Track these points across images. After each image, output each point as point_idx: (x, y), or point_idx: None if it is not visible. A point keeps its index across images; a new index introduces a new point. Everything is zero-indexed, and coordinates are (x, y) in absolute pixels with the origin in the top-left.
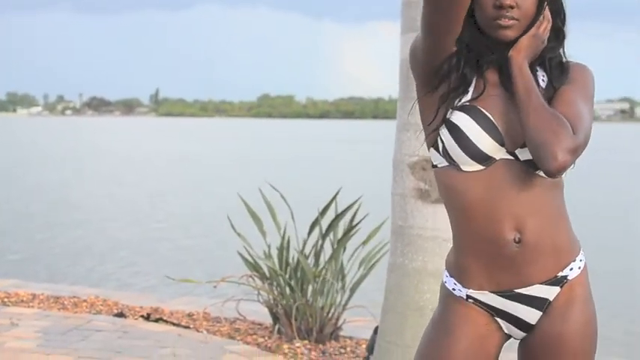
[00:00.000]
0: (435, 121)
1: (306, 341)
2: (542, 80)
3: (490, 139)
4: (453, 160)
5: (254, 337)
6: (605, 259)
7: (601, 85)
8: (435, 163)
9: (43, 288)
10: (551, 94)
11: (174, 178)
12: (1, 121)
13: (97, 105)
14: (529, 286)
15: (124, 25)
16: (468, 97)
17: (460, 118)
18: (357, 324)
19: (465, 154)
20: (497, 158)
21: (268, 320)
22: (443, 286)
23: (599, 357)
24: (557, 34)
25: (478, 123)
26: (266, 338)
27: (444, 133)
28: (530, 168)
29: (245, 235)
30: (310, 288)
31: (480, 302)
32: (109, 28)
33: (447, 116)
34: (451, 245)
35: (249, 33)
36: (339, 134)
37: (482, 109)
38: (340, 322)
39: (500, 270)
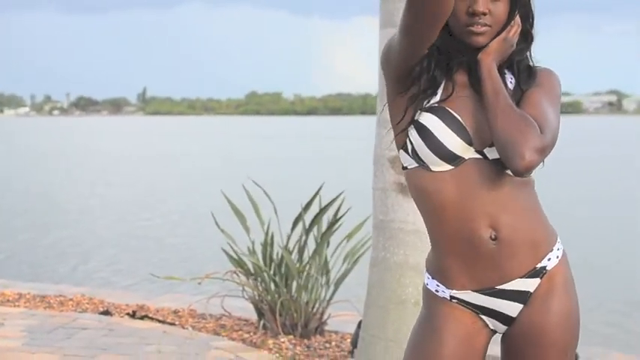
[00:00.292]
0: (403, 122)
1: (291, 336)
2: (510, 82)
3: (458, 138)
4: (423, 161)
5: (239, 333)
6: (591, 251)
7: (589, 78)
8: (404, 165)
9: (29, 287)
10: (518, 97)
11: (161, 176)
12: None
13: (85, 105)
14: (510, 281)
15: (111, 25)
16: (437, 98)
17: (428, 119)
18: (341, 318)
19: (434, 154)
20: (466, 158)
21: (254, 316)
22: (425, 288)
23: (581, 347)
24: (526, 37)
25: (446, 123)
26: (251, 334)
27: (412, 134)
28: (499, 167)
29: (230, 232)
30: (295, 283)
31: (464, 302)
32: (96, 28)
33: (416, 117)
34: None
35: (236, 31)
36: (327, 131)
37: (450, 110)
38: (325, 316)
39: (480, 268)
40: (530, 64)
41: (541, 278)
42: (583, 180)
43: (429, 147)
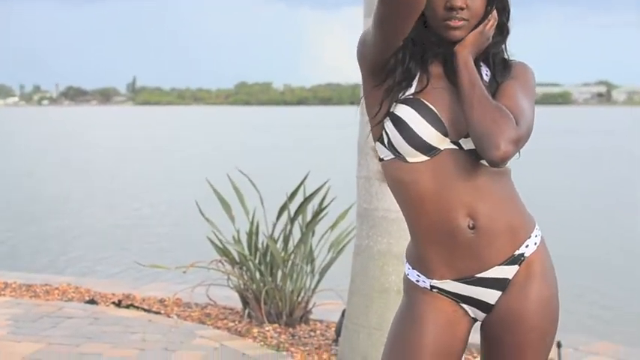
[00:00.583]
0: (379, 115)
1: (275, 325)
2: (486, 75)
3: (433, 129)
4: (399, 152)
5: (224, 321)
6: (576, 241)
7: (578, 69)
8: (381, 157)
9: (15, 276)
10: (494, 89)
11: (150, 166)
12: None
13: (74, 94)
14: (488, 269)
15: (100, 14)
16: (412, 90)
17: (403, 111)
18: (326, 307)
19: (410, 145)
20: (442, 148)
21: (239, 305)
22: (406, 279)
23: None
24: (502, 30)
25: (421, 115)
26: (236, 323)
27: (388, 126)
28: (474, 157)
29: (216, 221)
30: (280, 272)
31: (444, 291)
32: (85, 17)
33: (391, 109)
34: None
35: (226, 20)
36: (316, 120)
37: (425, 102)
38: (310, 305)
39: (459, 258)
40: (506, 57)
41: (519, 265)
42: (569, 171)
43: (404, 138)
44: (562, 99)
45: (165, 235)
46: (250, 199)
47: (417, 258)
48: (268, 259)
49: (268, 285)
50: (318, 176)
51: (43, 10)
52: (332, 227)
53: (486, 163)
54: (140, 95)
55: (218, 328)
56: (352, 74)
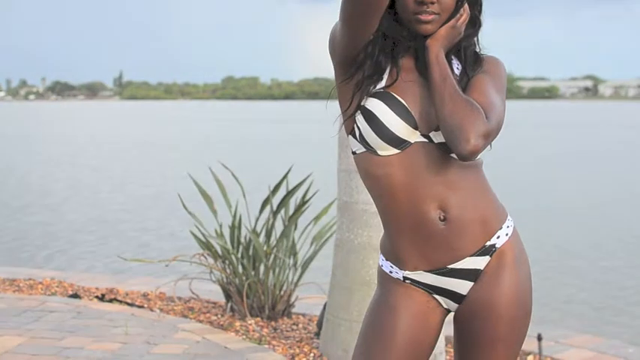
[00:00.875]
0: (350, 108)
1: (258, 318)
2: (457, 68)
3: (403, 122)
4: (370, 146)
5: (207, 315)
6: (559, 234)
7: (565, 63)
8: (353, 150)
9: None
10: (464, 83)
11: (135, 160)
12: None
13: (61, 89)
14: (460, 260)
15: (86, 8)
16: (383, 83)
17: (374, 104)
18: (309, 301)
19: (380, 138)
20: (412, 142)
21: (222, 299)
22: (380, 270)
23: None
24: (474, 23)
25: (391, 108)
26: (219, 316)
27: (359, 119)
28: (445, 150)
29: (200, 215)
30: (262, 266)
31: (417, 282)
32: (71, 11)
33: (362, 103)
34: None
35: (213, 14)
36: (303, 115)
37: (395, 95)
38: (292, 299)
39: (431, 249)
40: (477, 50)
41: (491, 256)
42: (557, 167)
43: (374, 131)
44: (549, 93)
45: (149, 229)
46: (234, 193)
47: (390, 250)
48: (251, 252)
49: (251, 279)
50: (303, 170)
51: (30, 4)
52: (315, 220)
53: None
54: (127, 90)
55: (200, 321)
56: None
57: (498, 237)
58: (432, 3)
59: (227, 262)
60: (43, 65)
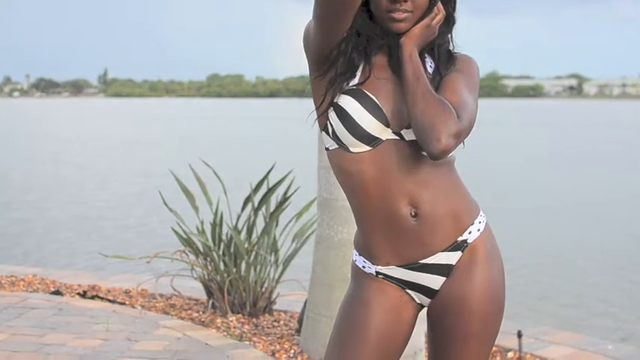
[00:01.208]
0: (323, 105)
1: (239, 315)
2: (430, 67)
3: (374, 120)
4: (342, 143)
5: (189, 312)
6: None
7: (550, 62)
8: (327, 146)
9: None
10: (437, 82)
11: (120, 158)
12: None
13: (45, 86)
14: (432, 255)
15: (71, 4)
16: (356, 81)
17: (346, 102)
18: (290, 298)
19: (352, 135)
20: (384, 139)
21: (204, 296)
22: (354, 265)
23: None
24: (448, 20)
25: (363, 105)
26: (200, 313)
27: (332, 116)
28: (416, 147)
29: (182, 212)
30: (244, 263)
31: (390, 277)
32: (56, 8)
33: (335, 100)
34: None
35: (197, 11)
36: (287, 112)
37: (367, 92)
38: (274, 296)
39: (403, 244)
40: (451, 48)
41: (463, 251)
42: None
43: (347, 128)
44: (534, 92)
45: (131, 226)
46: (217, 190)
47: (363, 245)
48: (232, 249)
49: (232, 275)
50: (285, 168)
51: (14, 1)
52: (297, 217)
53: None
54: (112, 87)
55: (182, 318)
56: None
57: (470, 232)
58: (405, 1)
59: (208, 259)
60: (28, 62)
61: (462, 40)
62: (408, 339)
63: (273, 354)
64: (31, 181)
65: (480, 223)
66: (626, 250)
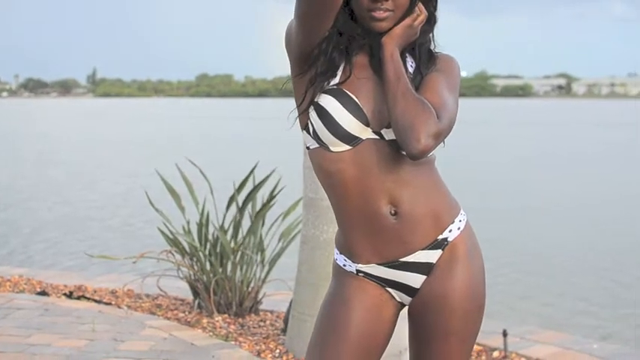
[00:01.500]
0: (304, 104)
1: (225, 315)
2: (411, 66)
3: (354, 119)
4: (323, 142)
5: (175, 312)
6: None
7: (538, 62)
8: (307, 145)
9: None
10: (418, 81)
11: (107, 158)
12: None
13: (34, 86)
14: (412, 253)
15: (59, 4)
16: (336, 80)
17: (326, 101)
18: (276, 297)
19: (332, 135)
20: (364, 138)
21: (190, 296)
22: (334, 263)
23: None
24: (429, 19)
25: (343, 105)
26: (187, 313)
27: (312, 115)
28: (396, 147)
29: (169, 212)
30: (230, 263)
31: (370, 275)
32: (44, 7)
33: (316, 99)
34: None
35: (187, 11)
36: (276, 112)
37: (347, 92)
38: (260, 295)
39: (383, 243)
40: (432, 47)
41: (443, 249)
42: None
43: (327, 128)
44: (523, 91)
45: (118, 227)
46: (203, 190)
47: (344, 243)
48: (218, 249)
49: (218, 275)
50: (272, 167)
51: (1, 1)
52: (283, 217)
53: None
54: (100, 87)
55: (168, 318)
56: None
57: (450, 231)
58: (386, 0)
59: (195, 259)
60: (16, 62)
61: (452, 40)
62: (389, 338)
63: (258, 354)
64: (18, 181)
65: (460, 221)
66: (611, 249)
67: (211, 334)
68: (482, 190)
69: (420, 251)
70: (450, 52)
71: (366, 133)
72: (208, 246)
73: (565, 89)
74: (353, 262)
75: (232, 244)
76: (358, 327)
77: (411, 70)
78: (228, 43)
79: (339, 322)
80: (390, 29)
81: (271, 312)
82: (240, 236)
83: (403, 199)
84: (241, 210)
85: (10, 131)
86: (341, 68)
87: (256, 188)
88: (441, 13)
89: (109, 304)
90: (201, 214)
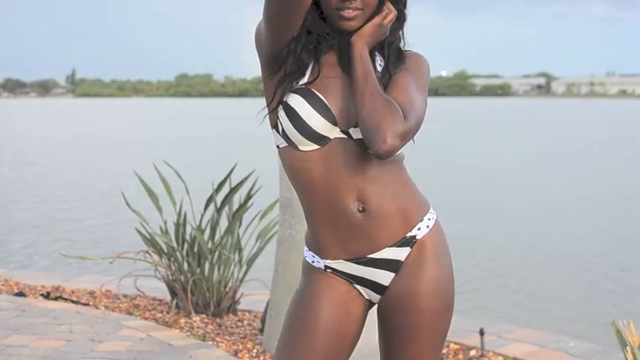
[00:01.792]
0: (273, 103)
1: (203, 315)
2: (380, 65)
3: (322, 119)
4: (291, 141)
5: (152, 312)
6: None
7: (518, 61)
8: (277, 144)
9: None
10: (386, 80)
11: (84, 158)
12: None
13: (13, 87)
14: (380, 250)
15: (37, 3)
16: (305, 80)
17: (294, 101)
18: (254, 297)
19: (300, 134)
20: (332, 137)
21: (168, 296)
22: (304, 260)
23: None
24: (398, 17)
25: (311, 104)
26: (164, 313)
27: (281, 114)
28: (364, 146)
29: (146, 212)
30: (207, 263)
31: (338, 271)
32: (22, 6)
33: (284, 99)
34: None
35: (166, 10)
36: (254, 112)
37: (315, 91)
38: (237, 295)
39: (351, 239)
40: (401, 45)
41: (411, 247)
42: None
43: (295, 127)
44: (502, 91)
45: (95, 227)
46: (181, 191)
47: (313, 240)
48: (196, 249)
49: (196, 275)
50: (251, 168)
51: None
52: (261, 217)
53: None
54: (80, 87)
55: (146, 319)
56: None
57: (419, 229)
58: None
59: (172, 259)
60: None
61: (432, 39)
62: (358, 336)
63: (235, 353)
64: None
65: (429, 219)
66: (588, 248)
67: (189, 334)
68: (461, 189)
69: (387, 248)
70: (430, 51)
71: (334, 132)
72: (186, 246)
73: (544, 88)
74: (321, 257)
75: (210, 245)
76: (326, 324)
77: (379, 69)
78: (208, 43)
79: (308, 319)
80: (360, 28)
81: (249, 312)
82: (217, 236)
83: (371, 196)
84: (219, 210)
85: None
86: (310, 68)
87: (233, 190)
88: (420, 12)
89: (87, 304)
90: (179, 214)
